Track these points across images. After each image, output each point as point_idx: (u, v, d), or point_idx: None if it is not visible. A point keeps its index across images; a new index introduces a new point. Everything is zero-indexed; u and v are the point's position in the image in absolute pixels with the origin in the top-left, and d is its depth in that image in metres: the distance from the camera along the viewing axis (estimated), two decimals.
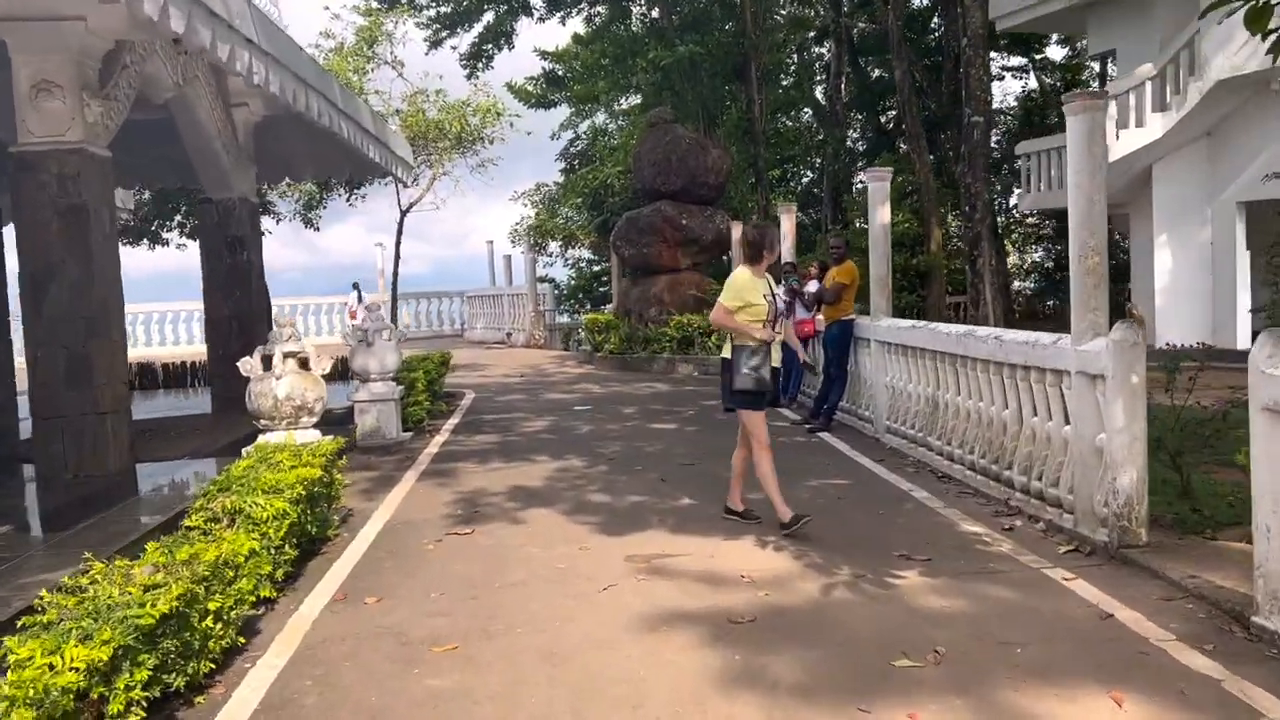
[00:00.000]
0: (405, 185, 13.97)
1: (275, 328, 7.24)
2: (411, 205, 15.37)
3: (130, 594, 3.82)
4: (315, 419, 7.07)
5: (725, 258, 20.12)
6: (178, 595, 3.86)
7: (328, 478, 6.51)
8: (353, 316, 28.49)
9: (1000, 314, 16.20)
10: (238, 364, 7.08)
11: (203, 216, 10.37)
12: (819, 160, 30.58)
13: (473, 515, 7.27)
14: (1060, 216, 30.75)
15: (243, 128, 10.35)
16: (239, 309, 10.24)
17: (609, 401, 13.33)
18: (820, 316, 11.84)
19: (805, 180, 33.91)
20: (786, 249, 13.86)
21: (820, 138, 29.86)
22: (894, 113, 32.26)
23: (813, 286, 12.05)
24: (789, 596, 5.23)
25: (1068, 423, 6.32)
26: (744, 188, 20.74)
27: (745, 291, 6.56)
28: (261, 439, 7.01)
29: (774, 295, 6.77)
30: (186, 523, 5.45)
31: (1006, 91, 46.02)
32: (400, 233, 15.43)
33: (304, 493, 5.76)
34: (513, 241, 27.75)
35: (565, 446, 10.01)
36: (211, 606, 4.18)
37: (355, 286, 28.42)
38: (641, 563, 5.91)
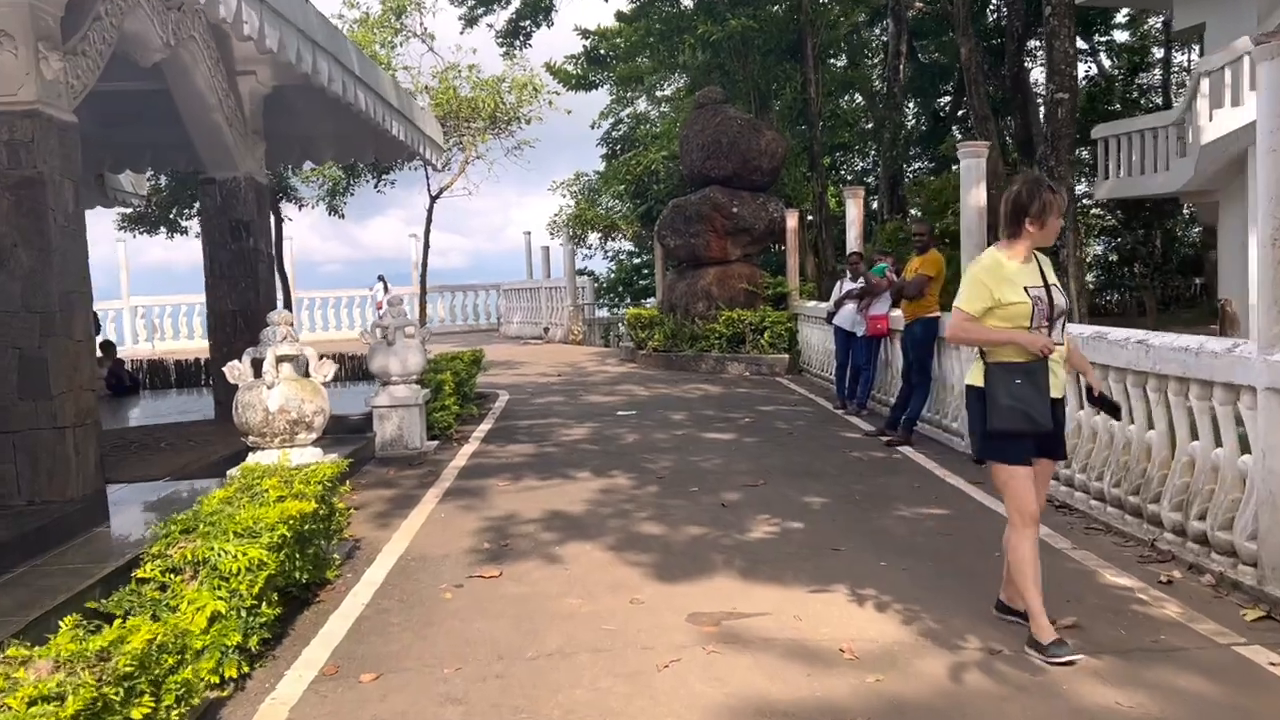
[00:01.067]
0: (435, 169, 12.84)
1: (270, 326, 6.11)
2: (442, 191, 14.28)
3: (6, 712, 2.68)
4: (315, 435, 5.95)
5: (778, 248, 18.84)
6: (73, 714, 2.71)
7: (325, 510, 5.37)
8: (379, 309, 27.60)
9: (1086, 312, 14.74)
10: (224, 369, 5.97)
11: (204, 198, 9.30)
12: (873, 148, 29.11)
13: (501, 550, 6.10)
14: (1129, 206, 29.10)
15: (249, 99, 9.26)
16: (244, 302, 9.16)
17: (655, 406, 12.12)
18: (893, 313, 10.55)
19: (857, 168, 32.44)
20: (853, 238, 12.54)
21: (872, 124, 28.39)
22: (948, 99, 30.75)
23: (892, 276, 10.75)
24: (908, 683, 3.99)
25: (1247, 451, 5.01)
26: (797, 174, 19.40)
27: (996, 285, 4.23)
28: (250, 459, 5.89)
29: (1048, 287, 4.30)
30: (139, 573, 4.33)
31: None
32: (429, 221, 14.34)
33: (289, 534, 4.62)
34: (551, 233, 26.65)
35: (609, 460, 8.82)
36: (135, 717, 3.03)
37: (381, 279, 27.50)
38: (709, 625, 4.69)
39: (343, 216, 15.56)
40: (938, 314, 9.18)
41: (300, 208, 14.86)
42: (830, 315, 11.71)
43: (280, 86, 9.67)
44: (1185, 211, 34.37)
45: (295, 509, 4.79)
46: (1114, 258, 31.03)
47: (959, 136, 30.55)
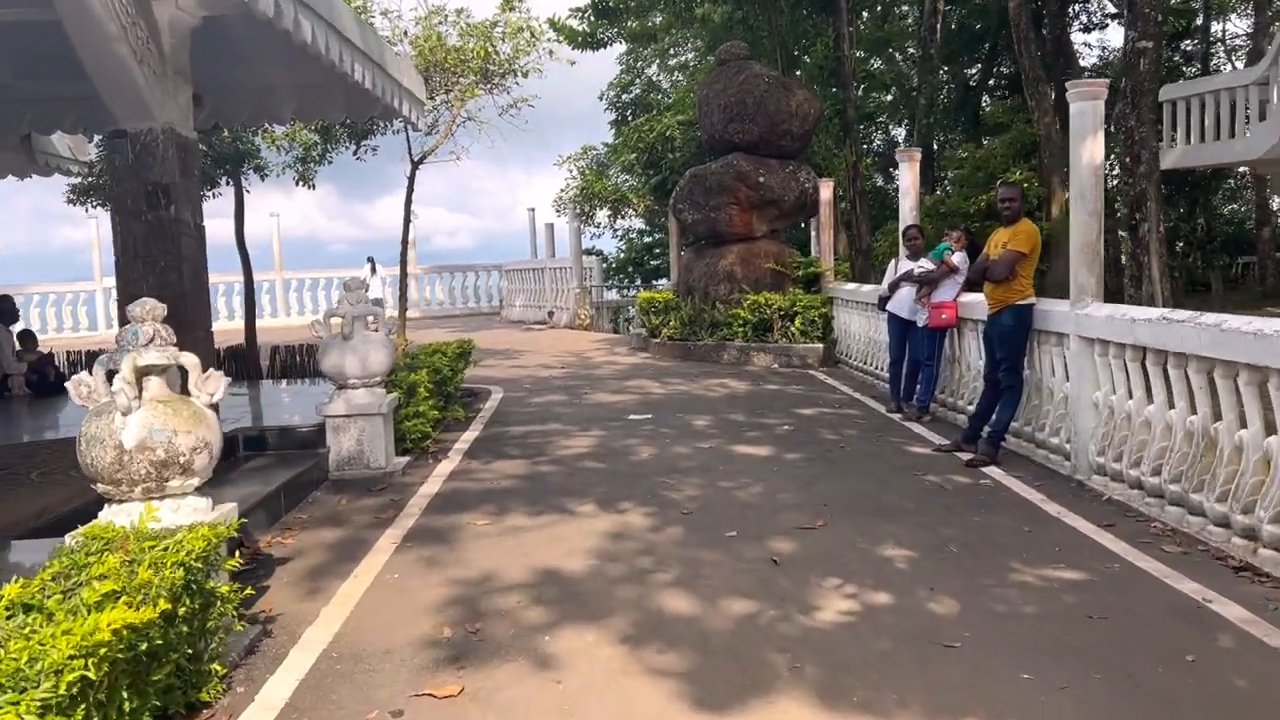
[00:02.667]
0: (416, 129, 10.95)
1: (132, 323, 4.27)
2: (425, 155, 12.38)
3: None
4: (197, 480, 4.13)
5: (806, 224, 16.94)
6: None
7: (193, 606, 3.55)
8: (366, 289, 25.76)
9: (1169, 294, 12.84)
10: (69, 385, 4.15)
11: (112, 155, 7.44)
12: (902, 119, 27.08)
13: (467, 642, 4.29)
14: (1173, 180, 27.05)
15: (169, 31, 7.37)
16: (165, 287, 7.29)
17: (673, 407, 10.27)
18: (965, 299, 8.68)
19: (877, 142, 30.39)
20: (908, 209, 10.64)
21: (898, 92, 26.36)
22: (977, 69, 28.68)
23: (958, 259, 8.88)
24: None
25: None
26: (826, 142, 17.44)
27: None
28: (104, 515, 4.07)
29: None
30: None
31: (1105, 43, 41.94)
32: (410, 190, 12.46)
33: (103, 673, 2.81)
34: (557, 210, 24.74)
35: (618, 485, 6.99)
36: None
37: (370, 260, 25.71)
38: None
39: (313, 187, 13.65)
40: (1032, 300, 7.31)
41: (263, 177, 12.98)
42: (883, 301, 9.84)
43: (213, 19, 7.77)
44: (1231, 185, 32.39)
45: (120, 621, 2.98)
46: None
47: (987, 105, 28.55)
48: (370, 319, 7.67)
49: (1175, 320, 5.53)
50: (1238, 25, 34.31)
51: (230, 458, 7.29)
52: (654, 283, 33.28)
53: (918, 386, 9.47)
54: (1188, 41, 29.50)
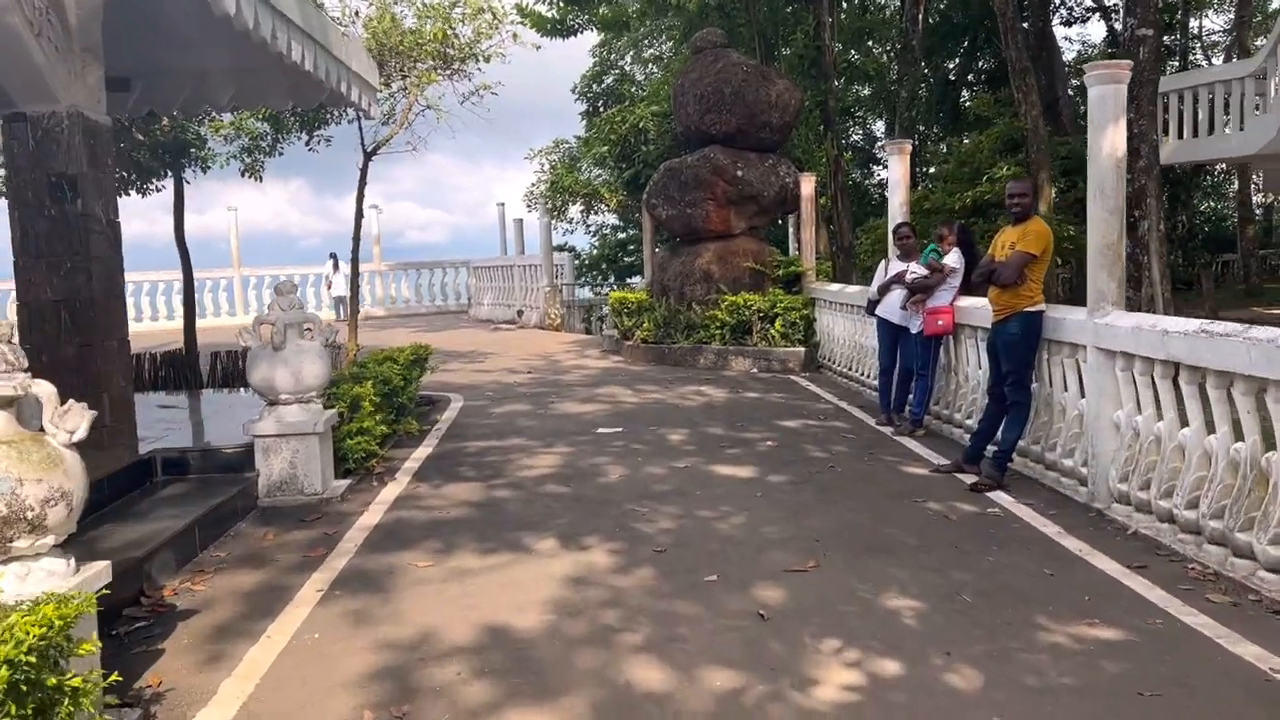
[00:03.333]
0: (369, 117, 10.12)
1: None
2: (378, 146, 11.52)
3: None
4: (51, 538, 3.33)
5: (786, 219, 16.21)
6: None
7: (24, 714, 2.75)
8: (329, 288, 24.92)
9: (1170, 296, 12.22)
10: None
11: (9, 142, 6.56)
12: (882, 111, 26.41)
13: None
14: (1164, 175, 26.55)
15: (76, 3, 6.52)
16: (71, 291, 6.45)
17: (647, 419, 9.51)
18: (963, 303, 7.99)
19: (857, 136, 29.72)
20: (897, 205, 9.93)
21: (874, 86, 25.65)
22: (956, 62, 28.09)
23: (953, 259, 8.18)
24: None
25: None
26: (807, 135, 16.72)
27: None
28: None
29: None
30: None
31: (1085, 37, 41.49)
32: (363, 182, 11.59)
33: None
34: (528, 205, 23.89)
35: (584, 515, 6.21)
36: None
37: (332, 256, 24.79)
38: None
39: (260, 179, 12.74)
40: (1042, 306, 6.61)
41: (206, 170, 12.08)
42: (872, 304, 9.12)
43: None
44: (1209, 181, 32.04)
45: None
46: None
47: (966, 100, 27.93)
48: (305, 326, 6.84)
49: (1219, 334, 4.82)
50: (1214, 21, 34.05)
51: (145, 484, 6.48)
52: (628, 281, 32.52)
53: (910, 397, 8.77)
54: (1168, 36, 29.04)
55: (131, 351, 10.60)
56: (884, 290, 8.87)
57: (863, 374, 10.88)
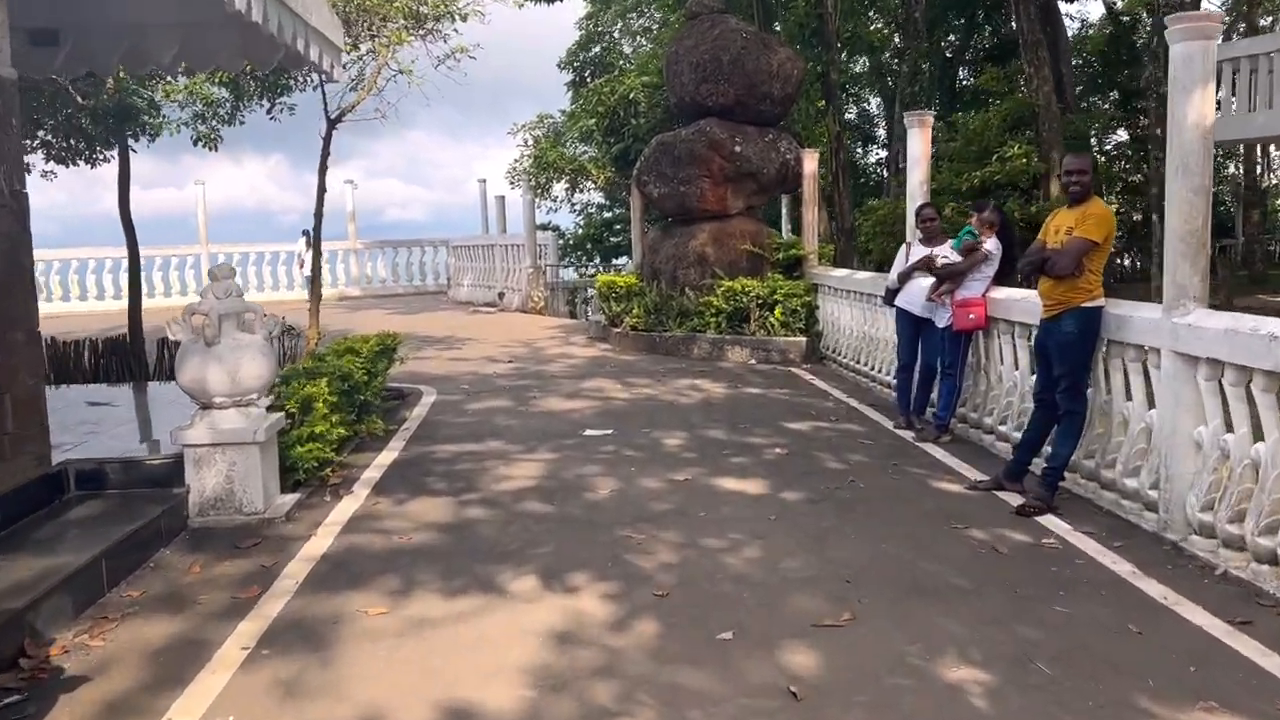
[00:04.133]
0: (331, 79, 9.09)
1: None
2: (344, 112, 10.49)
3: None
4: None
5: (780, 199, 15.25)
6: None
7: None
8: (300, 265, 23.85)
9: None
10: None
11: None
12: (879, 86, 25.45)
13: None
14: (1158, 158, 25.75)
15: None
16: None
17: (639, 418, 8.59)
18: (998, 295, 7.12)
19: (853, 111, 28.73)
20: (916, 183, 9.01)
21: (891, 53, 24.58)
22: (957, 39, 27.15)
23: (990, 244, 7.28)
24: None
25: None
26: (807, 109, 15.74)
27: None
28: None
29: None
30: None
31: (1085, 15, 40.53)
32: (326, 153, 10.55)
33: None
34: (510, 183, 22.86)
35: (570, 542, 5.29)
36: None
37: (305, 233, 23.61)
38: None
39: (215, 149, 11.69)
40: (1101, 302, 5.71)
41: (154, 137, 11.02)
42: (890, 294, 8.21)
43: None
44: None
45: None
46: (1137, 217, 27.56)
47: (964, 79, 27.00)
48: (246, 317, 5.86)
49: None
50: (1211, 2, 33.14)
51: (53, 502, 5.51)
52: (613, 262, 31.52)
53: (932, 398, 7.89)
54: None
55: (68, 340, 9.49)
56: (905, 278, 7.96)
57: (872, 368, 9.99)
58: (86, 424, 6.85)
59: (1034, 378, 6.33)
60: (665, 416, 8.59)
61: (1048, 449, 5.89)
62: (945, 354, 7.50)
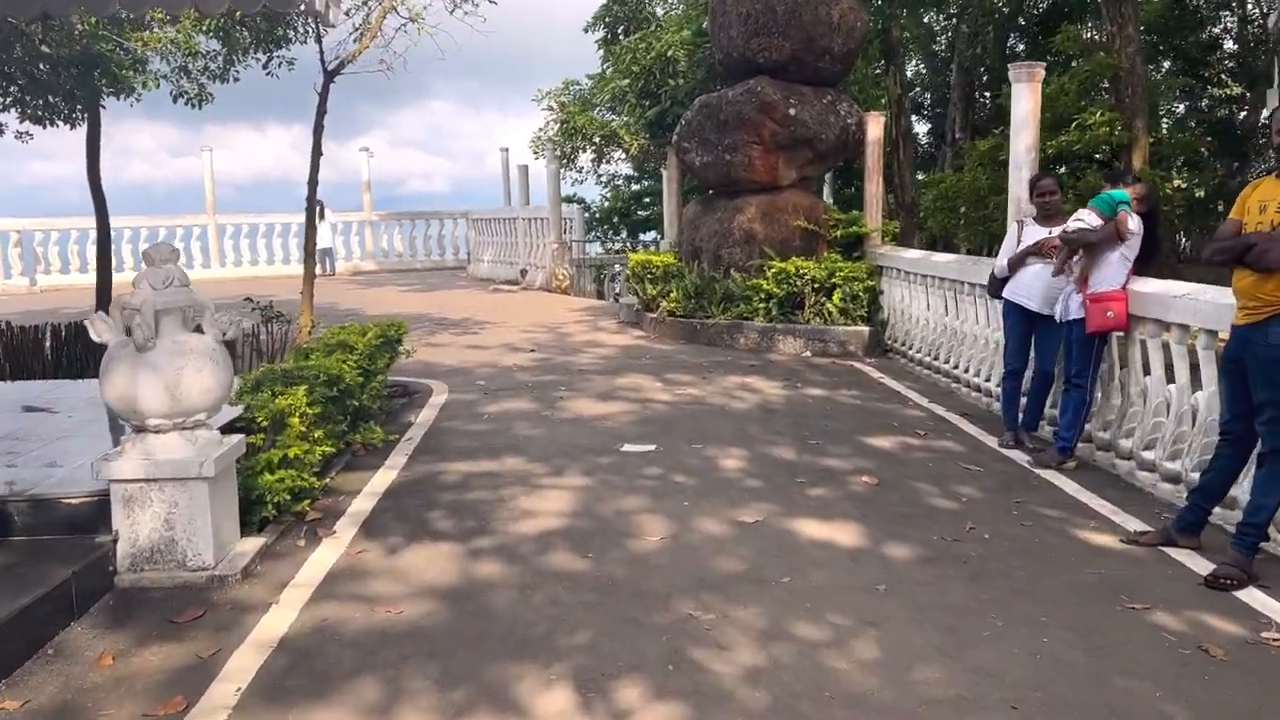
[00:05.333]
0: (329, 25, 7.69)
1: None
2: (343, 63, 9.09)
3: None
4: None
5: (852, 168, 13.71)
6: None
7: None
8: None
9: None
10: None
11: None
12: (929, 50, 23.68)
13: None
14: (1222, 133, 23.97)
15: None
16: None
17: (685, 428, 7.20)
18: (1138, 289, 5.68)
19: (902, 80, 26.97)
20: (1022, 150, 7.53)
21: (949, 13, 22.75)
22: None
23: (1135, 224, 5.81)
24: None
25: None
26: (864, 70, 14.18)
27: None
28: None
29: None
30: None
31: None
32: (322, 109, 9.14)
33: None
34: (534, 152, 21.41)
35: (613, 627, 3.92)
36: None
37: (319, 204, 22.32)
38: None
39: (198, 107, 10.34)
40: None
41: (134, 98, 9.70)
42: (996, 283, 6.77)
43: None
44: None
45: None
46: (1200, 194, 25.69)
47: (1016, 44, 25.14)
48: (194, 310, 4.51)
49: None
50: None
51: None
52: (641, 238, 30.04)
53: (1050, 412, 6.48)
54: None
55: (27, 325, 8.25)
56: (1017, 264, 6.51)
57: (955, 366, 8.56)
58: (11, 439, 5.54)
59: (1208, 399, 4.89)
60: (717, 426, 7.20)
61: (1250, 500, 4.45)
62: (1073, 360, 6.05)
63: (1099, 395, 6.15)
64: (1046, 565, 4.51)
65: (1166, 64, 24.21)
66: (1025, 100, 7.38)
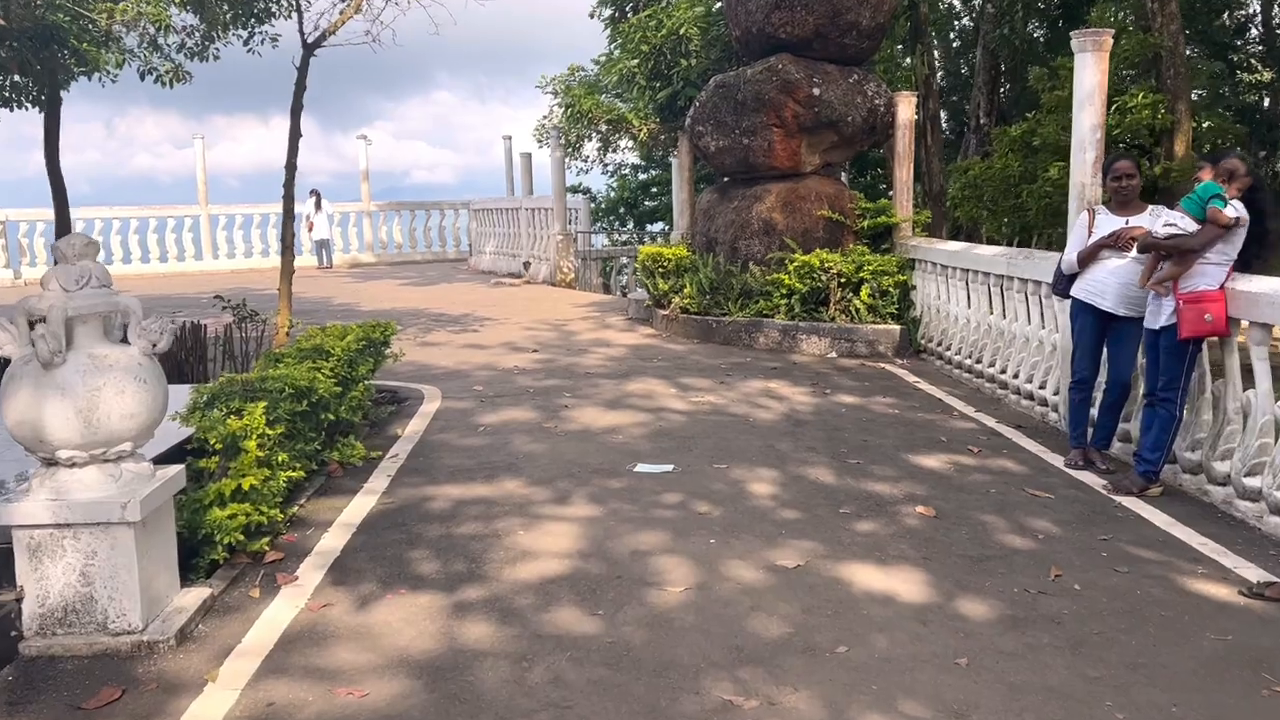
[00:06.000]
0: None
1: None
2: (324, 35, 8.27)
3: None
4: None
5: (868, 155, 12.88)
6: None
7: None
8: (309, 229, 21.84)
9: None
10: None
11: None
12: (951, 38, 22.78)
13: None
14: (1251, 112, 23.08)
15: None
16: None
17: (706, 444, 6.39)
18: (1239, 287, 4.84)
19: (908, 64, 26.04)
20: (1087, 128, 6.70)
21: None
22: None
23: (1235, 210, 4.98)
24: None
25: None
26: (889, 48, 13.30)
27: None
28: None
29: None
30: None
31: None
32: (301, 85, 8.31)
33: None
34: (539, 140, 20.57)
35: (629, 718, 3.11)
36: None
37: (314, 193, 21.59)
38: None
39: (169, 85, 9.50)
40: None
41: (104, 76, 8.89)
42: (1063, 280, 5.94)
43: None
44: None
45: None
46: None
47: (1035, 35, 24.20)
48: (114, 318, 3.70)
49: None
50: None
51: None
52: (649, 229, 29.21)
53: (1124, 426, 5.63)
54: None
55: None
56: (1089, 258, 5.68)
57: (1002, 370, 7.73)
58: None
59: None
60: (742, 441, 6.38)
61: None
62: (1162, 370, 5.21)
63: (1186, 411, 5.32)
64: (1159, 629, 3.69)
65: (1190, 50, 23.32)
66: (1090, 72, 6.53)
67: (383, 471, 5.80)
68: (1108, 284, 5.59)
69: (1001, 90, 18.01)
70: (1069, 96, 14.16)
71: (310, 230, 21.70)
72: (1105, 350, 5.75)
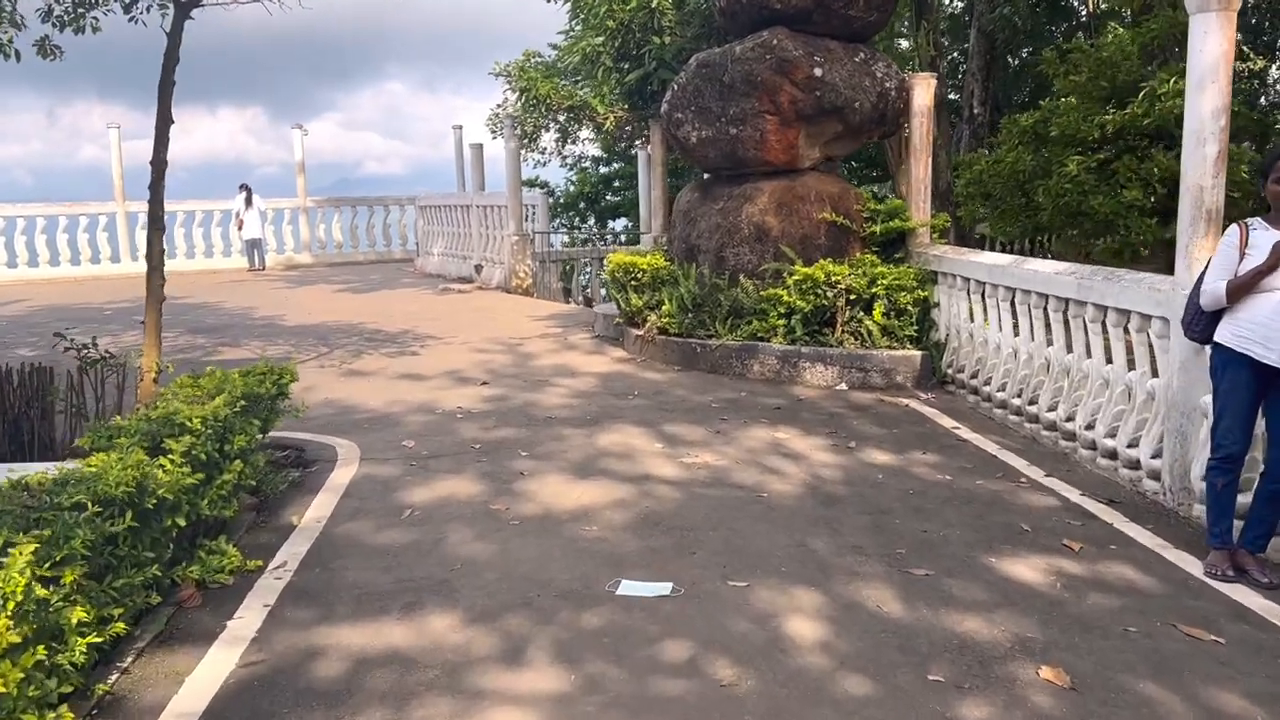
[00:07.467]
0: None
1: None
2: None
3: None
4: None
5: (866, 147, 11.28)
6: None
7: None
8: (239, 226, 19.93)
9: None
10: None
11: None
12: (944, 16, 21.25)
13: None
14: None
15: None
16: None
17: (711, 541, 4.76)
18: None
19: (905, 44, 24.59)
20: (1207, 113, 5.11)
21: None
22: None
23: None
24: None
25: None
26: (891, 25, 11.73)
27: None
28: None
29: None
30: None
31: None
32: (173, 59, 6.50)
33: None
34: (492, 131, 18.79)
35: None
36: None
37: (244, 188, 19.66)
38: None
39: (51, 56, 7.65)
40: None
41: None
42: (1203, 320, 4.36)
43: None
44: None
45: None
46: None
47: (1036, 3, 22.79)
48: None
49: None
50: None
51: None
52: (611, 225, 27.51)
53: None
54: None
55: None
56: (1243, 290, 4.11)
57: (1068, 419, 6.17)
58: None
59: None
60: (760, 535, 4.74)
61: None
62: None
63: None
64: None
65: None
66: (1215, 39, 4.95)
67: (260, 597, 4.07)
68: (1272, 327, 4.04)
69: (992, 79, 16.56)
70: (1085, 82, 12.72)
71: (240, 229, 19.74)
72: (1264, 417, 4.20)
